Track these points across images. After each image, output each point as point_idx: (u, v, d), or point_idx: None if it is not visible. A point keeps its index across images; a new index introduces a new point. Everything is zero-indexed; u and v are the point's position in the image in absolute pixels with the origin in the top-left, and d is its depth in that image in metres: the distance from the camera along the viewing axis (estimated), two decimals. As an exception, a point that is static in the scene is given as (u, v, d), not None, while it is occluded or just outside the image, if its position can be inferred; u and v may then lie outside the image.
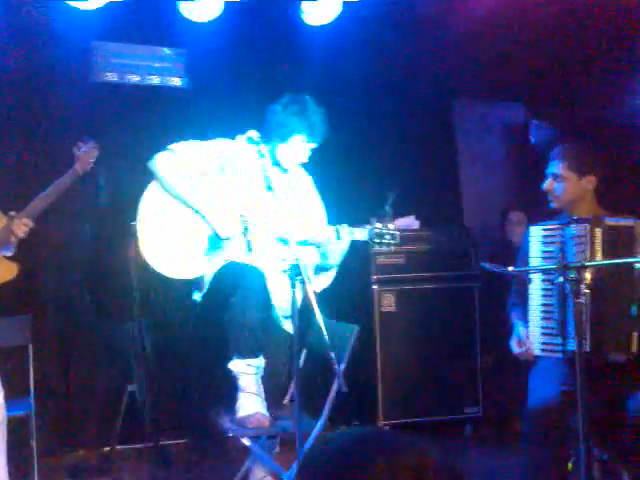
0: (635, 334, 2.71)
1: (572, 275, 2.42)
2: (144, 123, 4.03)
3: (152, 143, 3.24)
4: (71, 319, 4.08)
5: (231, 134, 3.18)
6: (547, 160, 3.03)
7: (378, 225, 2.97)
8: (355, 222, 3.03)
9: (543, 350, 2.87)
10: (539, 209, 3.24)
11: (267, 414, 2.85)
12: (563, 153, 2.98)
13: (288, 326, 3.05)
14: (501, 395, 4.35)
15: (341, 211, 3.31)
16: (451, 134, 5.06)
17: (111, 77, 4.18)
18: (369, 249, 4.17)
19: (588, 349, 2.61)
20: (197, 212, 3.05)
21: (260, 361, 2.90)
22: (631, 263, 2.73)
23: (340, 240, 2.96)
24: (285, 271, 2.65)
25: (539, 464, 2.70)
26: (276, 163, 3.13)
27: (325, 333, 2.57)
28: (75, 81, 4.03)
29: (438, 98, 4.87)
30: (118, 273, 3.83)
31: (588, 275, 2.41)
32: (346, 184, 4.32)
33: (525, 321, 2.95)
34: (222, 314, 2.87)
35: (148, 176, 3.11)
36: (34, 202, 3.33)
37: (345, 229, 2.96)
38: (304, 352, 3.15)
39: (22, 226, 3.23)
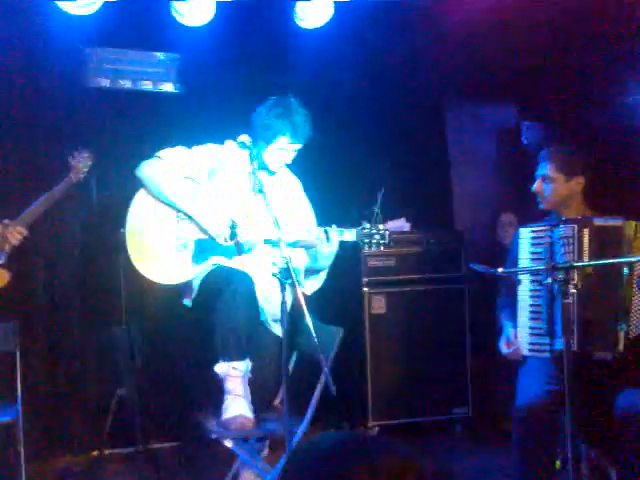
0: (622, 333, 2.73)
1: (560, 276, 2.43)
2: (136, 128, 4.01)
3: (144, 149, 3.23)
4: (59, 324, 4.04)
5: (224, 139, 3.18)
6: (537, 162, 3.05)
7: (367, 225, 2.96)
8: (344, 223, 3.01)
9: (531, 350, 2.89)
10: (530, 210, 3.25)
11: (251, 416, 2.84)
12: (551, 155, 3.00)
13: (277, 330, 3.05)
14: (490, 395, 4.36)
15: (330, 212, 3.30)
16: (442, 135, 5.06)
17: (104, 82, 4.16)
18: (359, 251, 4.19)
19: (575, 348, 2.62)
20: (189, 217, 3.04)
21: (246, 364, 2.89)
22: (619, 263, 2.74)
23: (330, 242, 2.95)
24: (275, 275, 2.64)
25: (527, 463, 2.71)
26: (263, 166, 3.12)
27: (315, 336, 2.57)
28: (68, 86, 4.01)
29: (430, 100, 4.87)
30: (107, 279, 3.81)
31: (576, 275, 2.42)
32: (336, 185, 4.31)
33: (514, 322, 2.96)
34: (210, 318, 2.87)
35: (138, 183, 3.11)
36: (28, 210, 3.33)
37: (334, 230, 2.95)
38: (294, 355, 3.15)
39: (16, 234, 3.23)
